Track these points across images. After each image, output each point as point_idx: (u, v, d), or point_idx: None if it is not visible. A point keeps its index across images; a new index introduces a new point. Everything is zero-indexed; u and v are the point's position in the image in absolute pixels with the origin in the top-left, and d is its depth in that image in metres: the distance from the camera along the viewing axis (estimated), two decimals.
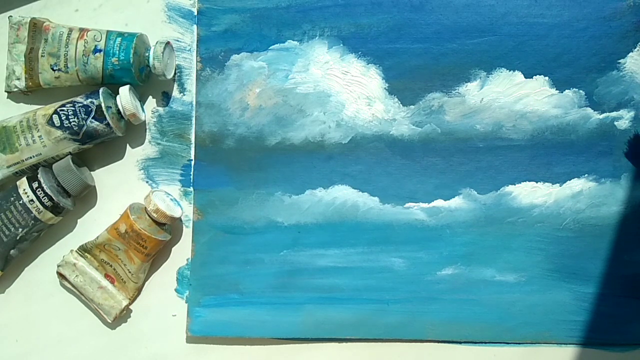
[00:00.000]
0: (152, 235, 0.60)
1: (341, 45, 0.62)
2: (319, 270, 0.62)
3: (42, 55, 0.60)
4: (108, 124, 0.60)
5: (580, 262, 0.60)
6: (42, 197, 0.59)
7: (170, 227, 0.62)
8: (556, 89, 0.61)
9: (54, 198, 0.60)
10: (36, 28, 0.61)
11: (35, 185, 0.59)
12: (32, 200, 0.59)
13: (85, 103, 0.60)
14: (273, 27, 0.62)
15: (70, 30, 0.60)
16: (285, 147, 0.62)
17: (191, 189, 0.63)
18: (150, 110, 0.64)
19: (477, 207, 0.61)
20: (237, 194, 0.62)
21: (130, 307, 0.63)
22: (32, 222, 0.60)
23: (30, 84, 0.61)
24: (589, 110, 0.60)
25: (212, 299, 0.62)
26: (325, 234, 0.62)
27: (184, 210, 0.63)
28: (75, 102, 0.60)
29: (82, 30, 0.60)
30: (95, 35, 0.60)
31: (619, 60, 0.60)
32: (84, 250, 0.62)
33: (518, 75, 0.61)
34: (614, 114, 0.60)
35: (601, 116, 0.60)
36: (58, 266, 0.62)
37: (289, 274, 0.62)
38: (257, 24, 0.62)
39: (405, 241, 0.61)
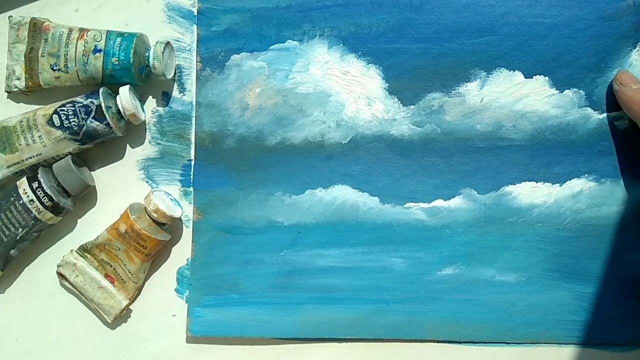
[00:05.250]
0: (152, 235, 0.60)
1: (341, 45, 0.62)
2: (319, 270, 0.62)
3: (42, 55, 0.60)
4: (108, 124, 0.60)
5: (580, 262, 0.60)
6: (42, 197, 0.59)
7: (170, 227, 0.62)
8: (556, 89, 0.61)
9: (54, 198, 0.60)
10: (36, 28, 0.61)
11: (35, 185, 0.59)
12: (32, 200, 0.59)
13: (85, 103, 0.60)
14: (273, 27, 0.62)
15: (70, 30, 0.60)
16: (285, 147, 0.62)
17: (191, 189, 0.63)
18: (150, 110, 0.64)
19: (477, 207, 0.61)
20: (237, 194, 0.62)
21: (130, 307, 0.63)
22: (32, 222, 0.60)
23: (30, 84, 0.61)
24: (589, 110, 0.60)
25: (212, 299, 0.62)
26: (325, 234, 0.62)
27: (184, 210, 0.63)
28: (75, 102, 0.60)
29: (82, 30, 0.60)
30: (95, 35, 0.60)
31: (619, 60, 0.60)
32: (84, 250, 0.62)
33: (518, 75, 0.61)
34: (614, 114, 0.60)
35: (601, 116, 0.60)
36: (58, 266, 0.62)
37: (289, 274, 0.62)
38: (257, 24, 0.62)
39: (405, 241, 0.61)
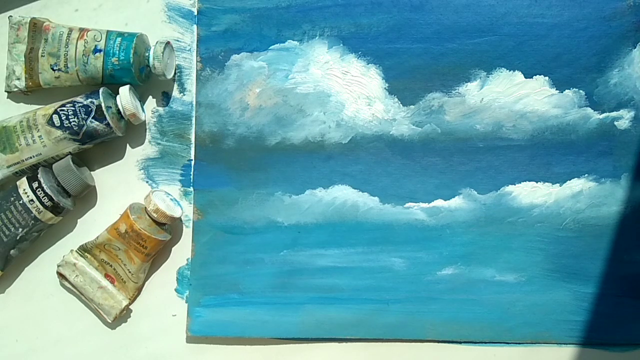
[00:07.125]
0: (152, 235, 0.60)
1: (341, 45, 0.62)
2: (319, 270, 0.62)
3: (42, 55, 0.60)
4: (108, 124, 0.60)
5: (580, 262, 0.60)
6: (42, 197, 0.59)
7: (170, 227, 0.62)
8: (556, 89, 0.61)
9: (54, 198, 0.60)
10: (36, 28, 0.61)
11: (35, 185, 0.59)
12: (32, 200, 0.59)
13: (85, 103, 0.60)
14: (273, 27, 0.62)
15: (70, 30, 0.60)
16: (285, 147, 0.62)
17: (191, 189, 0.63)
18: (150, 110, 0.64)
19: (477, 207, 0.61)
20: (237, 194, 0.62)
21: (130, 307, 0.63)
22: (32, 222, 0.60)
23: (30, 84, 0.61)
24: (589, 110, 0.60)
25: (212, 299, 0.62)
26: (325, 234, 0.62)
27: (184, 210, 0.63)
28: (75, 102, 0.60)
29: (82, 30, 0.60)
30: (95, 35, 0.60)
31: (619, 60, 0.60)
32: (84, 250, 0.62)
33: (518, 75, 0.61)
34: (614, 114, 0.60)
35: (601, 116, 0.60)
36: (58, 266, 0.62)
37: (288, 274, 0.62)
38: (257, 24, 0.62)
39: (405, 241, 0.61)
